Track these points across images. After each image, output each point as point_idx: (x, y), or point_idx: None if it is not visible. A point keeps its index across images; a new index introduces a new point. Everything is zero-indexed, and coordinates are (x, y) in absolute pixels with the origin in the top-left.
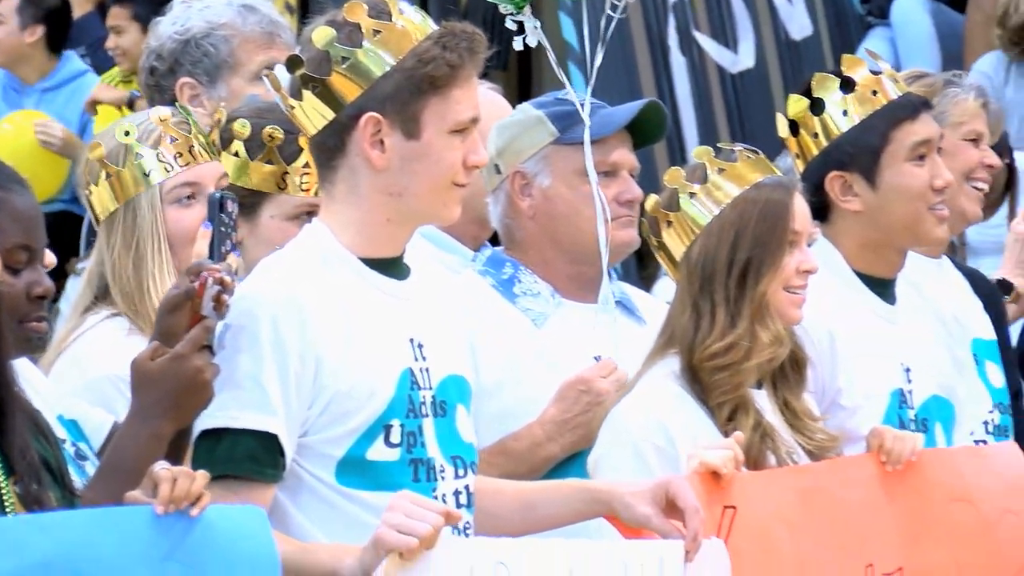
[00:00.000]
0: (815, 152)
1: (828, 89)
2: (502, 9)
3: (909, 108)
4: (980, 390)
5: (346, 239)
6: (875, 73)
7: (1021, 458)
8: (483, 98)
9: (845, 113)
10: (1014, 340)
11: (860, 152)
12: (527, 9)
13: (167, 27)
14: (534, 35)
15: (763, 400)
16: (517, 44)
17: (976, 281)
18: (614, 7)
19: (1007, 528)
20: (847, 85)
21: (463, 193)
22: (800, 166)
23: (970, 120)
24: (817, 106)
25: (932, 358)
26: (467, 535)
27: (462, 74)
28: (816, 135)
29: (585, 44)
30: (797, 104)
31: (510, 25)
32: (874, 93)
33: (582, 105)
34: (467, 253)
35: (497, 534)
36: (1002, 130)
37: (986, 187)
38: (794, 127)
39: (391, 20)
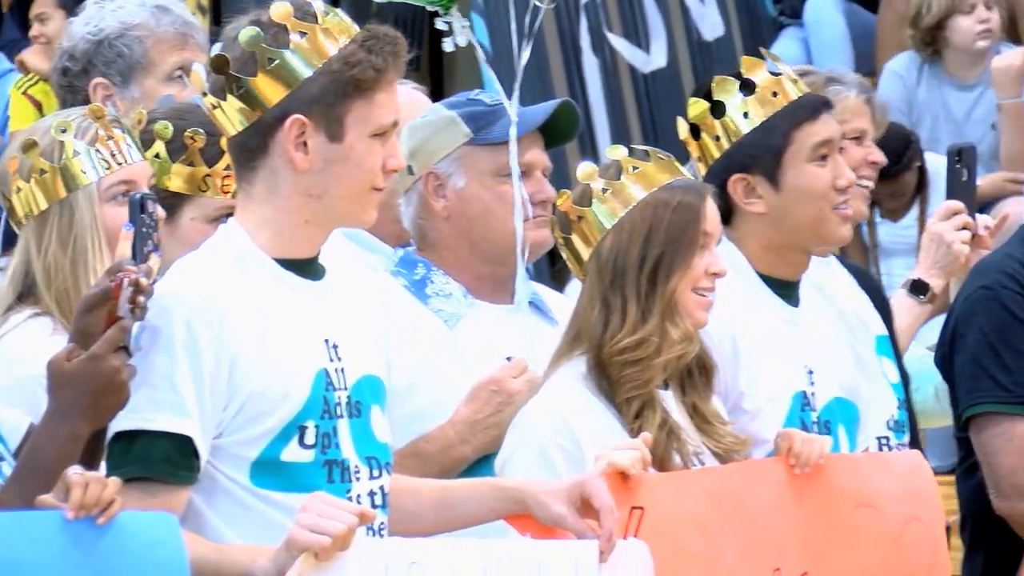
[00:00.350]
0: (717, 155)
1: (728, 91)
2: (429, 8)
3: (809, 108)
4: (885, 389)
5: (262, 240)
6: (775, 74)
7: (925, 466)
8: (407, 98)
9: (746, 115)
10: (929, 340)
11: (762, 154)
12: (454, 9)
13: (80, 27)
14: (463, 35)
15: (670, 402)
16: (447, 46)
17: (861, 277)
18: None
19: (912, 535)
20: (747, 87)
21: (381, 197)
22: (702, 169)
23: (853, 118)
24: (718, 109)
25: (835, 359)
26: (382, 536)
27: (386, 78)
28: (717, 138)
29: (512, 43)
30: (697, 107)
31: (440, 25)
32: (774, 94)
33: (510, 105)
34: (389, 252)
35: (413, 533)
36: (887, 123)
37: (871, 184)
38: (695, 130)
39: (317, 22)
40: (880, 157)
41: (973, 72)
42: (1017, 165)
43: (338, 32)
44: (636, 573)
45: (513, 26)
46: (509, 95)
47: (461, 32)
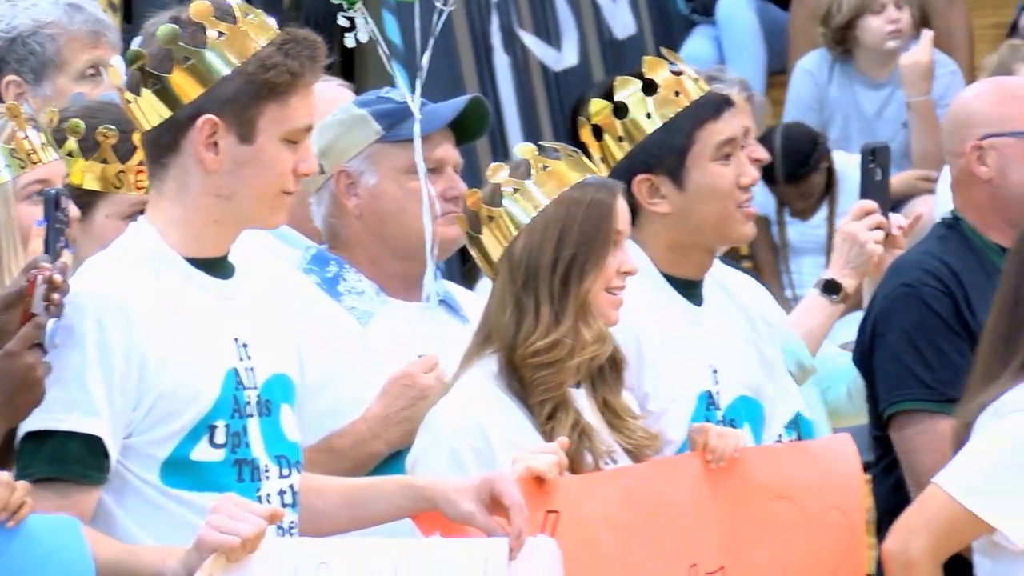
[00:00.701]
0: (619, 156)
1: (630, 92)
2: (333, 2)
3: (712, 107)
4: (790, 387)
5: (172, 239)
6: (676, 74)
7: (852, 451)
8: (334, 95)
9: (649, 115)
10: (841, 338)
11: (666, 154)
12: (359, 5)
13: None
14: (366, 31)
15: (582, 399)
16: (349, 41)
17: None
18: (445, 1)
19: (829, 524)
20: (649, 87)
21: (291, 200)
22: (604, 171)
23: (736, 116)
24: (620, 109)
25: (739, 358)
26: (292, 534)
27: (301, 82)
28: (620, 139)
29: (417, 40)
30: (600, 108)
31: (342, 22)
32: (676, 94)
33: (413, 101)
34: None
35: (322, 532)
36: (781, 127)
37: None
38: (597, 131)
39: (235, 23)
40: (763, 154)
41: (884, 71)
42: (929, 163)
43: (257, 33)
44: (545, 570)
45: (418, 23)
46: (421, 95)
47: (364, 28)
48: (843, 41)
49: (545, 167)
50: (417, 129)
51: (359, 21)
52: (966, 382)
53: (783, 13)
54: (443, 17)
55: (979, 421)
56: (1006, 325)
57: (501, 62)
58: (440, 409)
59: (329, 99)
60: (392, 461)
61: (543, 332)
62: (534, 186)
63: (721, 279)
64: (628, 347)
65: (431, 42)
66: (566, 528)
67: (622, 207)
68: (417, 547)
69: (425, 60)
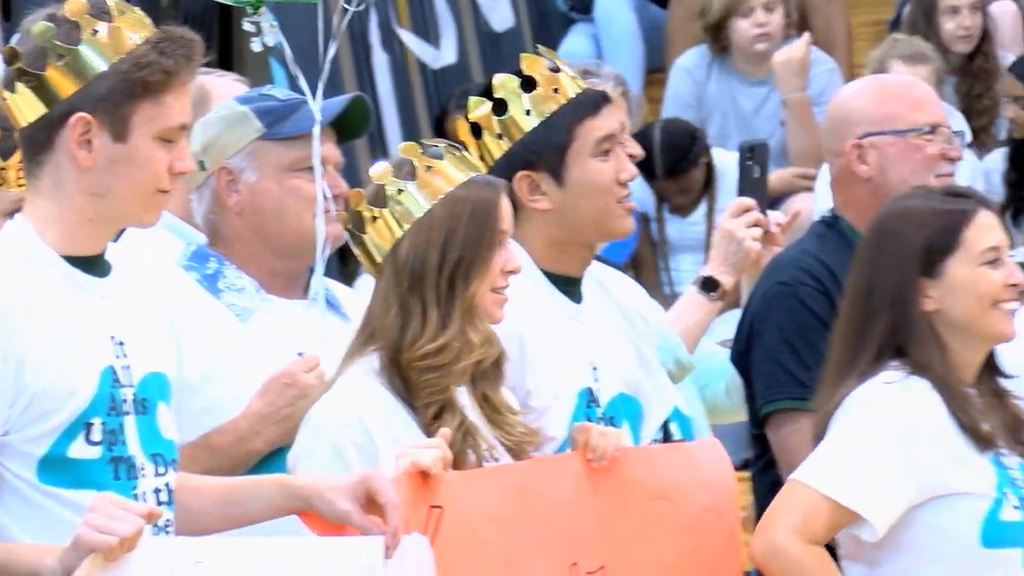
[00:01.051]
0: (498, 153)
1: (509, 89)
2: (236, 5)
3: (590, 104)
4: (667, 384)
5: (49, 236)
6: (554, 71)
7: (723, 455)
8: (227, 88)
9: (528, 112)
10: (723, 335)
11: (546, 151)
12: (263, 9)
13: None
14: (272, 35)
15: (463, 396)
16: (255, 45)
17: None
18: (348, 1)
19: (706, 526)
20: (528, 84)
21: (166, 199)
22: (483, 168)
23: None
24: (500, 107)
25: (618, 356)
26: (167, 533)
27: (176, 81)
28: (500, 136)
29: (319, 41)
30: (479, 106)
31: (247, 27)
32: (555, 91)
33: (315, 102)
34: (203, 240)
35: (199, 531)
36: (660, 122)
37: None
38: (476, 129)
39: (111, 20)
40: (637, 150)
41: (761, 69)
42: (806, 160)
43: (133, 30)
44: (420, 568)
45: (320, 23)
46: (302, 93)
47: (269, 32)
48: (719, 39)
49: (429, 167)
50: (317, 131)
51: (264, 25)
52: (822, 373)
53: (661, 11)
54: (348, 16)
55: (836, 415)
56: (859, 315)
57: (379, 60)
58: (322, 405)
59: (222, 93)
60: (272, 459)
61: (430, 336)
62: (418, 186)
63: (599, 277)
64: (510, 344)
65: (334, 41)
66: (449, 523)
67: (506, 206)
68: (293, 546)
69: (327, 61)
